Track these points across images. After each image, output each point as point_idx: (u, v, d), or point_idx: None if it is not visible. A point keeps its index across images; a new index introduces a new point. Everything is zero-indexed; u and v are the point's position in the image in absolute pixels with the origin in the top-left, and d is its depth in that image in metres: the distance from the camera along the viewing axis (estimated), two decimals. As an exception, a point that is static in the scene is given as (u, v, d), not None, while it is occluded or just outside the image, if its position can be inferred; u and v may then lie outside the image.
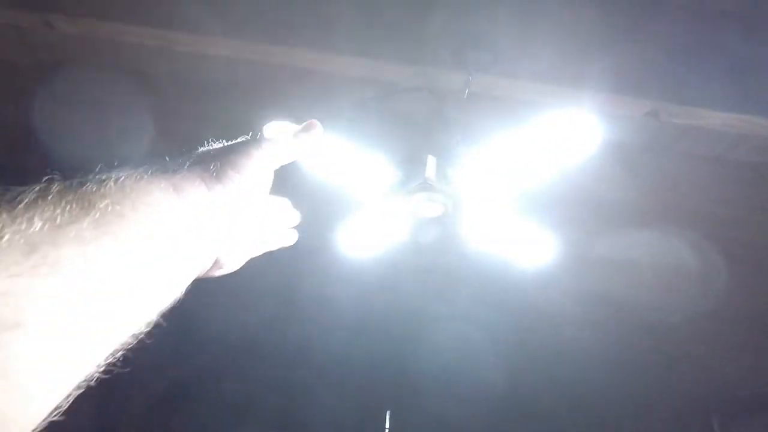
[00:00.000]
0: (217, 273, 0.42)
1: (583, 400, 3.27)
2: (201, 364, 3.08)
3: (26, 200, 0.26)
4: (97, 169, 0.31)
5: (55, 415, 0.26)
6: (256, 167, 0.40)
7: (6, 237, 0.24)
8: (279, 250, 0.47)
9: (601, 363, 3.02)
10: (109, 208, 0.29)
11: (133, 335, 0.30)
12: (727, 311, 2.52)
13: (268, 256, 0.47)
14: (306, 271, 2.33)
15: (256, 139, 0.42)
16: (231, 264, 0.43)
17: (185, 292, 0.35)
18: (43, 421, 0.25)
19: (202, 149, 0.40)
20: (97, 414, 2.99)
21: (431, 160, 1.16)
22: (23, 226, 0.25)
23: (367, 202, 1.48)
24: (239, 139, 0.42)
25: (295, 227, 0.48)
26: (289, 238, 0.50)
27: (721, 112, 1.66)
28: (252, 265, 0.45)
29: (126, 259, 0.29)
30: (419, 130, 1.45)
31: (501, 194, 1.26)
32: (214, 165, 0.38)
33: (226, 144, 0.41)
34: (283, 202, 0.47)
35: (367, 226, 1.56)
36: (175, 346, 2.82)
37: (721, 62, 1.58)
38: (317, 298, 2.58)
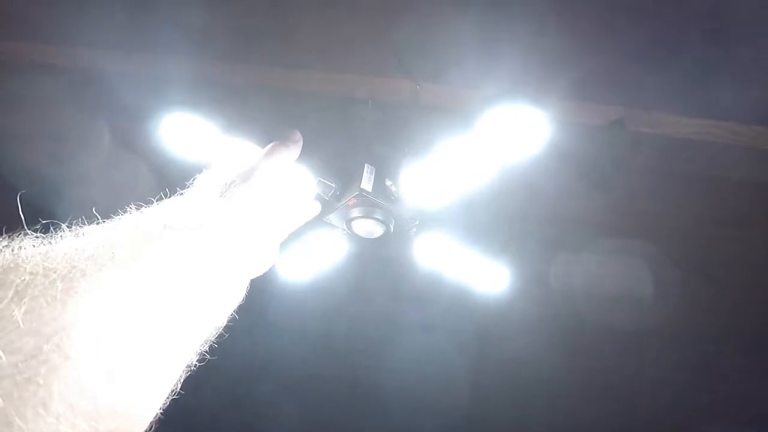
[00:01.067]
0: (269, 265, 0.48)
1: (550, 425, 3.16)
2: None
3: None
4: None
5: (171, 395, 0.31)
6: (262, 177, 0.45)
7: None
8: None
9: (565, 386, 2.89)
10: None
11: (209, 337, 0.37)
12: (695, 330, 2.42)
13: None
14: (265, 290, 2.19)
15: (257, 153, 0.48)
16: (274, 254, 0.48)
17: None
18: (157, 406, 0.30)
19: (201, 178, 0.44)
20: None
21: (368, 170, 1.01)
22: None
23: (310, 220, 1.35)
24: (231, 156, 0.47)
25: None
26: (312, 210, 0.58)
27: (688, 118, 1.58)
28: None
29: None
30: (360, 143, 1.32)
31: (452, 211, 1.13)
32: (224, 185, 0.42)
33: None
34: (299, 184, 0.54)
35: (310, 247, 1.44)
36: None
37: (686, 66, 1.50)
38: (279, 315, 2.44)
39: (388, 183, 1.03)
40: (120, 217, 0.34)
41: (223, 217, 0.39)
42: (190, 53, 1.40)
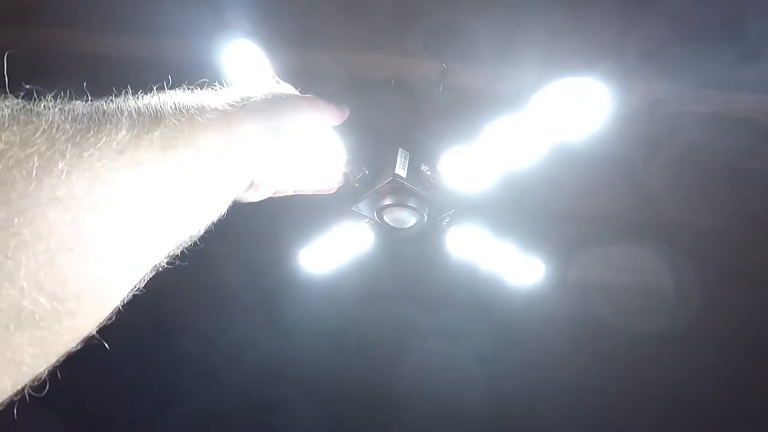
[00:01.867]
0: (251, 197, 0.45)
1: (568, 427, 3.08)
2: (182, 381, 2.94)
3: (113, 109, 0.30)
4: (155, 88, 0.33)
5: (134, 291, 0.29)
6: (307, 127, 0.44)
7: (103, 139, 0.28)
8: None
9: (587, 390, 2.81)
10: (173, 123, 0.32)
11: (182, 243, 0.34)
12: (722, 334, 2.32)
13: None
14: (286, 285, 2.15)
15: (306, 99, 0.44)
16: (264, 191, 0.45)
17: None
18: (122, 298, 0.28)
19: (254, 92, 0.41)
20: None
21: (402, 155, 0.96)
22: (113, 132, 0.29)
23: (338, 210, 1.32)
24: (285, 90, 0.44)
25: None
26: (333, 181, 0.55)
27: (740, 94, 1.49)
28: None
29: (182, 169, 0.32)
30: (389, 126, 1.26)
31: (486, 200, 1.08)
32: (273, 120, 0.40)
33: (276, 93, 0.42)
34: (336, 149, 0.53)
35: (339, 238, 1.40)
36: (157, 363, 2.77)
37: (737, 43, 1.42)
38: (298, 313, 2.40)
39: (424, 168, 0.97)
40: (115, 98, 0.32)
41: (240, 131, 0.37)
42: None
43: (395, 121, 1.21)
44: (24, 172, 0.24)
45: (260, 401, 3.02)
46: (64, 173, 0.25)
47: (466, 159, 0.92)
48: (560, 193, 1.69)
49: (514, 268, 1.28)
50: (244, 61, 0.79)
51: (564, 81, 0.67)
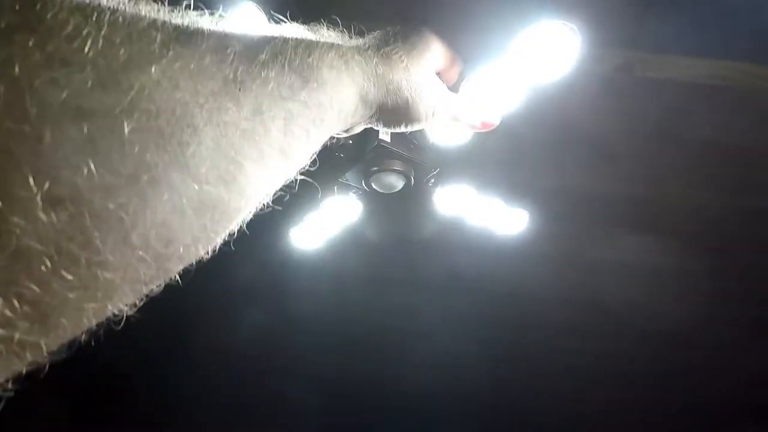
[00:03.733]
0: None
1: (574, 415, 3.15)
2: (189, 376, 2.95)
3: (263, 59, 0.27)
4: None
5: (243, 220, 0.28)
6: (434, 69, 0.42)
7: (240, 97, 0.25)
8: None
9: (593, 374, 2.88)
10: (315, 88, 0.29)
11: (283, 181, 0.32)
12: (724, 315, 2.38)
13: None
14: (280, 264, 2.17)
15: (437, 46, 0.42)
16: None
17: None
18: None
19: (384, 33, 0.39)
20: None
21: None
22: (256, 86, 0.26)
23: (325, 184, 1.34)
24: (417, 32, 0.41)
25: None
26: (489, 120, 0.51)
27: (702, 59, 1.53)
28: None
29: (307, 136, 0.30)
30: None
31: (466, 156, 1.11)
32: (403, 61, 0.38)
33: (407, 34, 0.40)
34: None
35: (329, 212, 1.42)
36: (167, 358, 2.77)
37: (698, 7, 1.46)
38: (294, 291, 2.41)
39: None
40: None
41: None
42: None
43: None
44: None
45: (269, 396, 3.06)
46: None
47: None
48: (538, 145, 1.71)
49: (500, 219, 1.33)
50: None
51: (539, 24, 0.70)
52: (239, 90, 0.24)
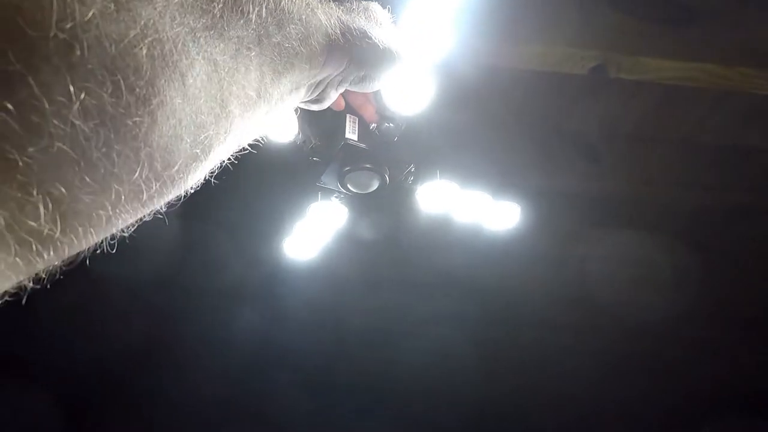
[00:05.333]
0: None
1: (563, 407, 3.15)
2: (178, 370, 2.96)
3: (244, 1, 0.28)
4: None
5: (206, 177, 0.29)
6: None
7: (226, 35, 0.26)
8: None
9: (582, 369, 2.90)
10: (289, 32, 0.31)
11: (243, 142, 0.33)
12: (706, 311, 2.40)
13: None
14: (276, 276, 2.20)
15: (402, 56, 0.44)
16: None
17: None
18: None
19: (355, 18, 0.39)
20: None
21: (350, 120, 1.02)
22: (239, 26, 0.27)
23: (305, 190, 1.37)
24: (388, 37, 0.42)
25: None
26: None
27: (677, 61, 1.56)
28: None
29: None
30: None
31: (444, 152, 1.14)
32: (363, 13, 0.40)
33: (377, 37, 0.40)
34: None
35: (315, 219, 1.46)
36: (156, 351, 2.77)
37: (670, 7, 1.49)
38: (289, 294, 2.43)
39: (372, 128, 1.04)
40: None
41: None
42: None
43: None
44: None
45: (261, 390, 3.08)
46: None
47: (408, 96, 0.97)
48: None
49: (488, 213, 1.36)
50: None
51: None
52: (225, 29, 0.26)
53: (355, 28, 0.38)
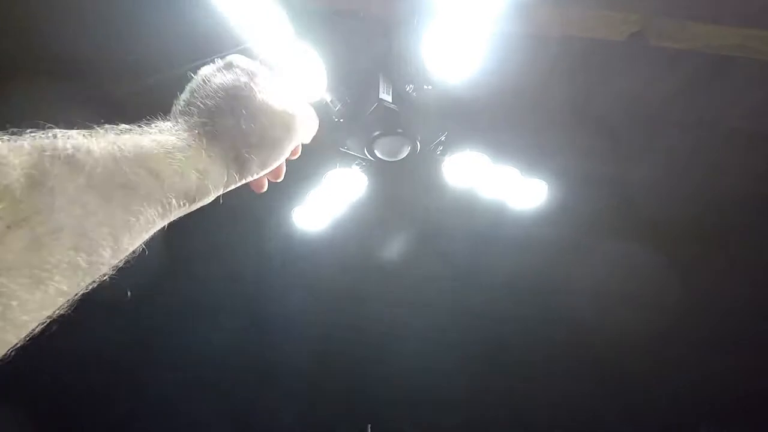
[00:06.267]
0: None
1: (565, 416, 3.10)
2: (163, 383, 2.92)
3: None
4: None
5: (64, 308, 0.29)
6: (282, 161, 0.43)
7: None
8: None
9: (580, 377, 2.83)
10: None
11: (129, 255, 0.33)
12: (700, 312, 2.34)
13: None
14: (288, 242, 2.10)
15: (294, 138, 0.42)
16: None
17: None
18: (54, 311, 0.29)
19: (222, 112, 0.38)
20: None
21: (383, 80, 0.93)
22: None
23: (327, 156, 1.28)
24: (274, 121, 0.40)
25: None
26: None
27: (729, 27, 1.43)
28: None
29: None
30: (367, 57, 1.21)
31: (475, 116, 1.05)
32: (246, 155, 0.39)
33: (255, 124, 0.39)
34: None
35: (332, 188, 1.36)
36: (141, 366, 2.76)
37: None
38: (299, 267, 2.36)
39: (409, 89, 0.94)
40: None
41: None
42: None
43: (372, 52, 1.17)
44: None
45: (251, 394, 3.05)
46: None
47: (450, 61, 0.88)
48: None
49: (515, 191, 1.26)
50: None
51: None
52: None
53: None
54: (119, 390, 2.87)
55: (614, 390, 2.99)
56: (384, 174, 1.25)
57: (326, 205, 1.42)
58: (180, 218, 0.36)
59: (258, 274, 2.33)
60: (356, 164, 1.28)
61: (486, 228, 1.85)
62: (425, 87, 0.91)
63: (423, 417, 3.21)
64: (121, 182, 0.31)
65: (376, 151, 1.03)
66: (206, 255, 2.25)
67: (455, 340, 2.70)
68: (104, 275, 0.31)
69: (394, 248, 2.07)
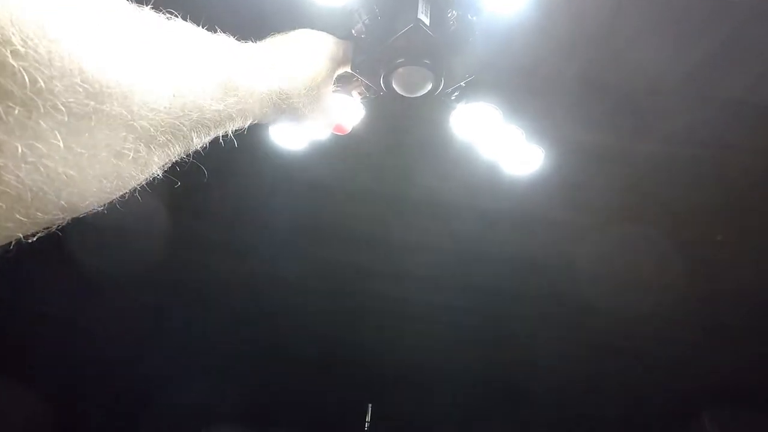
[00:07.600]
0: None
1: (566, 403, 3.19)
2: (173, 362, 3.00)
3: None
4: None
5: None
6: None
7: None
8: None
9: (580, 369, 2.89)
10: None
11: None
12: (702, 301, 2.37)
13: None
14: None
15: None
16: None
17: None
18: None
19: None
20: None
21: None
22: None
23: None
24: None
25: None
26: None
27: None
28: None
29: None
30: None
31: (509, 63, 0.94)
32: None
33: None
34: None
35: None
36: (143, 343, 2.86)
37: None
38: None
39: (451, 15, 0.81)
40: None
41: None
42: None
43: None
44: None
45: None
46: None
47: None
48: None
49: (516, 154, 1.18)
50: None
51: None
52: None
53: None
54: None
55: (616, 369, 3.07)
56: (386, 111, 1.13)
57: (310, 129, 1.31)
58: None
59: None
60: (358, 92, 1.14)
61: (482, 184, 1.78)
62: (469, 17, 0.78)
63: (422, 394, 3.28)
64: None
65: (393, 83, 0.90)
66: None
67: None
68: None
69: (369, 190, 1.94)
